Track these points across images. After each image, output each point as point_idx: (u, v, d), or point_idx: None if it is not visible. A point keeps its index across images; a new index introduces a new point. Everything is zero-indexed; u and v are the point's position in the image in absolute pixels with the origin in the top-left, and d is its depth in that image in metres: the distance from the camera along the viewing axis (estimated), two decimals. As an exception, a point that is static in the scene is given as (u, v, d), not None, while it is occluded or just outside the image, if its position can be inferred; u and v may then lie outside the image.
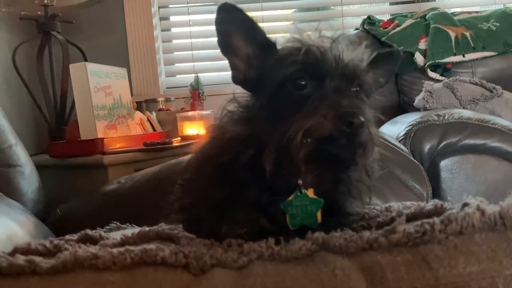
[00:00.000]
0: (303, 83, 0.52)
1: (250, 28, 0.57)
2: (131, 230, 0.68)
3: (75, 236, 0.57)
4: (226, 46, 0.58)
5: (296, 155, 0.49)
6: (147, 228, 0.53)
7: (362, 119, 0.48)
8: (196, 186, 0.59)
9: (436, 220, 0.43)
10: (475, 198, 0.47)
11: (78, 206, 1.07)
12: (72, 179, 1.47)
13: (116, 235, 0.57)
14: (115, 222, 0.80)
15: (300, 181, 0.55)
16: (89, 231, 0.57)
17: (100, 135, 1.43)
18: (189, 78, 2.20)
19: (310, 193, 0.55)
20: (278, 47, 0.57)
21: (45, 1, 1.76)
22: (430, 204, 0.50)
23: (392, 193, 0.96)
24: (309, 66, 0.53)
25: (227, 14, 0.56)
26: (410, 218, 0.50)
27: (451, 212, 0.43)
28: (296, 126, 0.49)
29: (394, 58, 0.65)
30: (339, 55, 0.53)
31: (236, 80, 0.59)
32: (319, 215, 0.55)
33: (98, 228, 0.75)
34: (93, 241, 0.55)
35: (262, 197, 0.55)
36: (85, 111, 1.43)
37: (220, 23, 0.56)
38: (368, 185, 0.59)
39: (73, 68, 1.44)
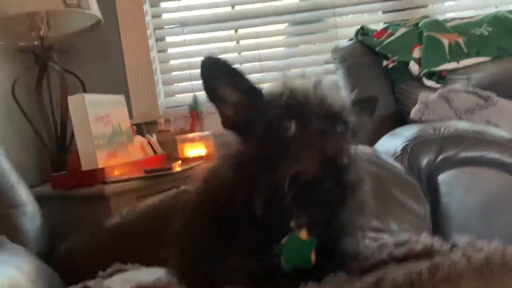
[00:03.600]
0: (287, 126, 0.54)
1: (235, 78, 0.59)
2: (131, 275, 0.69)
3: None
4: (213, 96, 0.59)
5: (285, 200, 0.51)
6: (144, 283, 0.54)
7: (346, 160, 0.49)
8: (190, 231, 0.61)
9: (424, 268, 0.44)
10: (464, 238, 0.48)
11: (80, 243, 1.09)
12: (75, 210, 1.48)
13: (116, 284, 0.59)
14: (116, 263, 0.81)
15: (292, 223, 0.56)
16: (89, 284, 0.58)
17: (101, 165, 1.45)
18: (188, 96, 2.21)
19: (303, 234, 0.56)
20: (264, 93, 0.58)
21: (41, 33, 1.79)
22: (420, 245, 0.51)
23: (390, 215, 0.97)
24: (293, 108, 0.54)
25: (211, 68, 0.58)
26: (401, 259, 0.51)
27: (438, 260, 0.44)
28: (282, 171, 0.51)
29: (371, 105, 0.66)
30: (323, 96, 0.55)
31: (225, 125, 0.61)
32: (313, 256, 0.56)
33: (100, 272, 0.76)
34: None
35: (255, 241, 0.56)
36: (85, 142, 1.44)
37: (205, 77, 0.58)
38: (362, 223, 0.60)
39: (71, 100, 1.46)
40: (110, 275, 0.77)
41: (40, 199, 1.38)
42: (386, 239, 0.63)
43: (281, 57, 2.45)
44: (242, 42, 2.46)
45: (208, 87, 0.59)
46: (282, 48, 2.50)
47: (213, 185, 0.59)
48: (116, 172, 1.49)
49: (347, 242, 0.59)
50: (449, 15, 2.16)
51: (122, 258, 0.89)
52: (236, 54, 2.44)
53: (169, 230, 0.68)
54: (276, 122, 0.54)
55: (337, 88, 0.58)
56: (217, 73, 0.58)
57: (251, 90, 0.59)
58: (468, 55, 1.88)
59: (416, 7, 2.38)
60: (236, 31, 2.43)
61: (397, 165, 1.11)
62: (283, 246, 0.56)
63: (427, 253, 0.50)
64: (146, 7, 2.31)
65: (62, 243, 1.13)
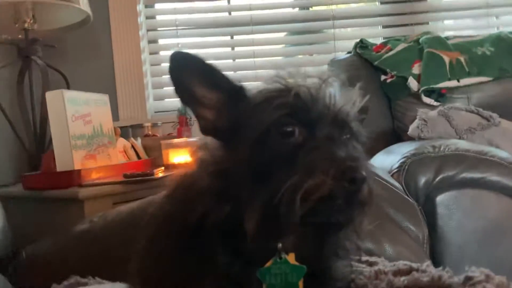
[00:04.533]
0: (290, 129, 0.46)
1: (210, 75, 0.50)
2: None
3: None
4: (186, 97, 0.51)
5: (291, 216, 0.42)
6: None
7: (364, 173, 0.42)
8: (157, 248, 0.52)
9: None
10: (480, 271, 0.39)
11: (45, 248, 0.99)
12: (47, 213, 1.38)
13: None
14: (74, 276, 0.72)
15: (279, 245, 0.48)
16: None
17: (77, 166, 1.36)
18: (178, 101, 2.13)
19: (291, 258, 0.48)
20: (249, 91, 0.50)
21: (26, 25, 1.70)
22: (425, 275, 0.43)
23: (385, 236, 0.89)
24: (298, 110, 0.46)
25: (182, 65, 0.49)
26: (402, 291, 0.42)
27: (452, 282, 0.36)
28: (293, 184, 0.42)
29: (361, 115, 0.57)
30: (331, 99, 0.47)
31: (205, 130, 0.52)
32: (300, 284, 0.47)
33: (54, 285, 0.67)
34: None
35: (234, 264, 0.47)
36: (62, 141, 1.35)
37: (175, 73, 0.49)
38: (357, 244, 0.52)
39: (49, 96, 1.37)
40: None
41: (9, 199, 1.29)
42: (382, 264, 0.54)
43: (276, 66, 2.37)
44: (237, 49, 2.39)
45: (180, 87, 0.50)
46: (279, 58, 2.44)
47: (187, 196, 0.50)
48: (93, 175, 1.40)
49: (338, 266, 0.50)
50: (449, 33, 2.10)
51: (85, 269, 0.79)
52: (231, 60, 2.37)
53: (136, 244, 0.59)
54: (277, 125, 0.46)
55: (346, 89, 0.49)
56: (189, 71, 0.50)
57: (233, 89, 0.51)
58: (469, 74, 1.83)
59: (417, 24, 2.33)
60: (232, 37, 2.37)
61: (394, 182, 1.04)
62: (267, 270, 0.47)
63: (436, 285, 0.41)
64: (140, 7, 2.24)
65: (25, 248, 1.03)
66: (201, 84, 0.50)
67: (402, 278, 0.45)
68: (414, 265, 0.52)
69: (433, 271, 0.43)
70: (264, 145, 0.46)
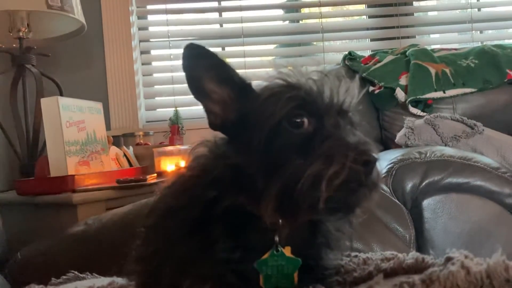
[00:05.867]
0: (299, 120, 0.48)
1: (222, 70, 0.52)
2: (85, 282, 0.62)
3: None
4: (198, 91, 0.53)
5: (314, 202, 0.44)
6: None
7: (376, 156, 0.45)
8: (159, 236, 0.54)
9: (417, 279, 0.38)
10: (459, 252, 0.43)
11: (40, 250, 1.00)
12: (40, 218, 1.39)
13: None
14: (73, 271, 0.73)
15: (276, 238, 0.50)
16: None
17: (71, 172, 1.37)
18: (170, 111, 2.15)
19: (287, 251, 0.50)
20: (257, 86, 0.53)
21: (20, 34, 1.72)
22: (410, 257, 0.46)
23: (373, 237, 0.92)
24: (307, 102, 0.49)
25: (194, 58, 0.52)
26: (389, 273, 0.45)
27: (433, 270, 0.38)
28: (315, 172, 0.44)
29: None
30: (335, 90, 0.50)
31: (213, 125, 0.54)
32: (295, 276, 0.50)
33: (53, 279, 0.69)
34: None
35: (233, 253, 0.49)
36: (56, 147, 1.37)
37: (188, 67, 0.52)
38: (349, 234, 0.55)
39: (45, 102, 1.39)
40: (64, 282, 0.69)
41: (2, 206, 1.30)
42: (371, 255, 0.57)
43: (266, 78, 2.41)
44: (228, 60, 2.40)
45: (192, 79, 0.53)
46: (270, 69, 2.47)
47: (197, 183, 0.52)
48: (87, 181, 1.41)
49: (330, 254, 0.53)
50: (435, 47, 2.17)
51: (82, 268, 0.81)
52: (221, 72, 2.40)
53: (134, 241, 0.61)
54: (286, 117, 0.48)
55: (346, 81, 0.52)
56: (202, 64, 0.52)
57: (241, 85, 0.53)
58: (454, 86, 1.88)
59: (404, 37, 2.39)
60: (223, 48, 2.41)
61: (382, 185, 1.07)
62: (264, 262, 0.50)
63: (419, 267, 0.44)
64: (133, 18, 2.27)
65: (19, 251, 1.04)
66: (211, 78, 0.52)
67: (389, 262, 0.47)
68: (400, 255, 0.55)
69: (417, 255, 0.46)
70: (276, 136, 0.48)
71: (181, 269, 0.50)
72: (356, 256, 0.69)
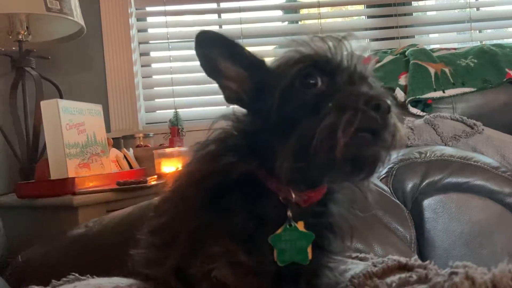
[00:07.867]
0: (312, 81, 0.48)
1: (234, 50, 0.53)
2: (87, 282, 0.62)
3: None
4: (211, 70, 0.54)
5: (332, 154, 0.43)
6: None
7: (389, 102, 0.44)
8: (173, 207, 0.54)
9: None
10: (463, 264, 0.42)
11: (40, 252, 1.00)
12: (41, 221, 1.39)
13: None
14: (73, 273, 0.73)
15: (289, 213, 0.51)
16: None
17: (71, 174, 1.37)
18: (169, 113, 2.16)
19: (300, 226, 0.51)
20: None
21: (20, 37, 1.72)
22: (414, 274, 0.45)
23: (374, 237, 0.92)
24: (319, 62, 0.49)
25: (208, 41, 0.53)
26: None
27: (436, 282, 0.38)
28: (329, 123, 0.43)
29: None
30: (350, 52, 0.50)
31: (229, 99, 0.55)
32: (309, 250, 0.50)
33: (53, 281, 0.69)
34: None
35: (248, 223, 0.50)
36: (56, 150, 1.37)
37: (200, 47, 0.53)
38: (351, 224, 0.55)
39: (45, 105, 1.39)
40: (64, 283, 0.69)
41: (4, 209, 1.30)
42: (372, 261, 0.57)
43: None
44: (228, 61, 2.42)
45: (205, 60, 0.54)
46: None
47: (216, 151, 0.52)
48: (87, 184, 1.41)
49: (334, 241, 0.53)
50: (434, 47, 2.17)
51: (83, 270, 0.81)
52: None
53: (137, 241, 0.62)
54: (300, 76, 0.48)
55: (363, 45, 0.52)
56: (214, 46, 0.53)
57: (255, 62, 0.54)
58: (453, 85, 1.88)
59: (403, 37, 2.39)
60: (222, 50, 2.40)
61: (382, 185, 1.07)
62: (279, 237, 0.50)
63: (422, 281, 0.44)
64: (132, 20, 2.27)
65: (20, 254, 1.04)
66: (225, 57, 0.53)
67: (390, 280, 0.47)
68: (403, 259, 0.55)
69: (421, 271, 0.45)
70: (290, 98, 0.48)
71: (196, 239, 0.50)
72: (356, 257, 0.70)
